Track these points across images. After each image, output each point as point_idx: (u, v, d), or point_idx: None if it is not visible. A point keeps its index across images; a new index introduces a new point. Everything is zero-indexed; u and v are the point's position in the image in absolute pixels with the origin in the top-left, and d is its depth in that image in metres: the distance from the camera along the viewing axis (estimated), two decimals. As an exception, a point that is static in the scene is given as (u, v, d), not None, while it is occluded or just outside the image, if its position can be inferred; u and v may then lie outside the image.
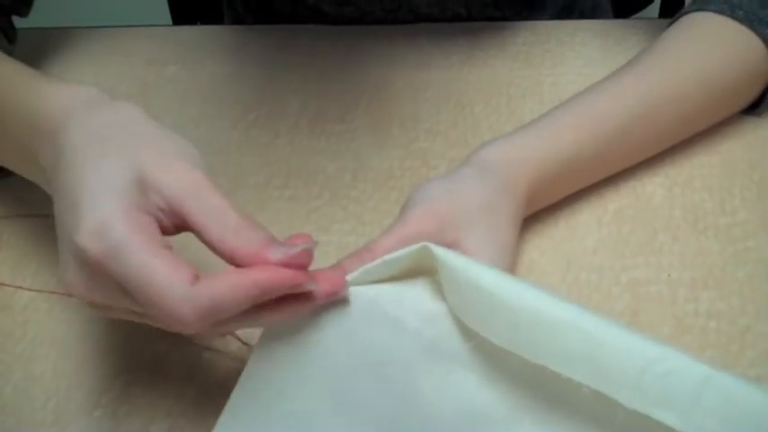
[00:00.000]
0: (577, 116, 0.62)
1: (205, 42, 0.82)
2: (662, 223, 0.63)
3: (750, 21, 0.63)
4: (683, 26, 0.66)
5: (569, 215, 0.64)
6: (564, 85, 0.74)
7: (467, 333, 0.51)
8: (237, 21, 0.98)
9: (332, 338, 0.52)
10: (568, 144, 0.61)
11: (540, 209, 0.63)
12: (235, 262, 0.45)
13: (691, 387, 0.44)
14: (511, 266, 0.57)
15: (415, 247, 0.51)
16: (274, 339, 0.52)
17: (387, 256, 0.52)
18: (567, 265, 0.62)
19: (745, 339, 0.57)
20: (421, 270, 0.52)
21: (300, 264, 0.46)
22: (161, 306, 0.43)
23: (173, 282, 0.43)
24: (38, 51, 0.82)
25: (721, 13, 0.64)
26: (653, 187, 0.66)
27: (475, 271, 0.49)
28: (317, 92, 0.75)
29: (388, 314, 0.52)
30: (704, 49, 0.64)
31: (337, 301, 0.51)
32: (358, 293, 0.52)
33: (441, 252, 0.50)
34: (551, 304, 0.47)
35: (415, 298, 0.52)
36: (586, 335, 0.46)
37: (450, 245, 0.54)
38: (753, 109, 0.68)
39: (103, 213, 0.44)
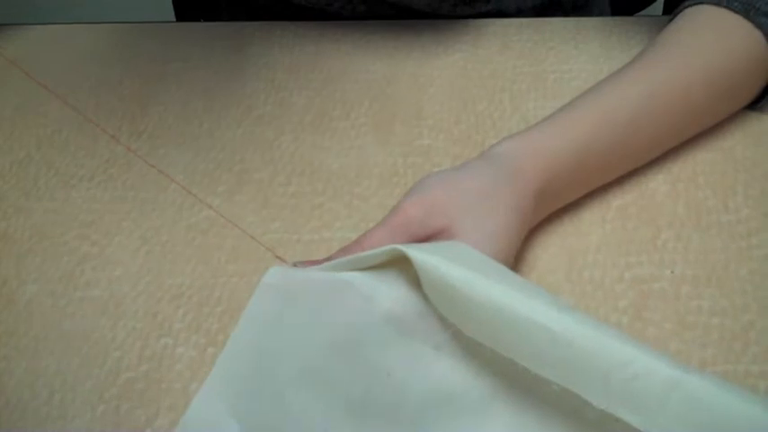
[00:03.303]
0: (587, 111, 0.62)
1: (209, 39, 0.82)
2: (665, 220, 0.63)
3: (746, 11, 0.63)
4: (683, 20, 0.66)
5: (573, 212, 0.64)
6: (567, 81, 0.74)
7: (442, 322, 0.52)
8: (234, 18, 0.98)
9: (305, 317, 0.53)
10: (579, 137, 0.61)
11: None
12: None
13: (657, 391, 0.44)
14: (507, 255, 0.57)
15: (385, 248, 0.52)
16: (254, 318, 0.54)
17: (359, 254, 0.53)
18: (571, 262, 0.62)
19: (749, 336, 0.57)
20: (398, 260, 0.53)
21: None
22: None
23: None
24: (42, 48, 0.83)
25: (717, 4, 0.64)
26: (656, 184, 0.65)
27: (446, 269, 0.49)
28: (321, 89, 0.75)
29: (361, 294, 0.53)
30: (704, 42, 0.64)
31: (313, 282, 0.54)
32: (333, 276, 0.53)
33: (411, 252, 0.51)
34: (523, 303, 0.47)
35: (390, 281, 0.53)
36: (555, 335, 0.46)
37: (439, 231, 0.56)
38: (755, 104, 0.68)
39: None
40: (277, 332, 0.54)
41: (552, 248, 0.62)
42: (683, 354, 0.56)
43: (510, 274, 0.51)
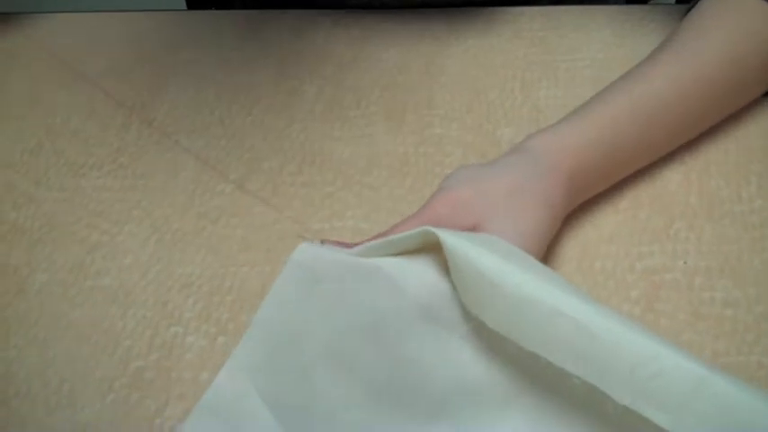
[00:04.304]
0: (613, 105, 0.62)
1: (220, 27, 0.82)
2: (678, 210, 0.63)
3: None
4: (706, 7, 0.65)
5: (584, 201, 0.63)
6: (579, 69, 0.73)
7: (466, 314, 0.51)
8: (245, 6, 0.98)
9: (333, 297, 0.53)
10: (607, 131, 0.60)
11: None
12: None
13: (683, 389, 0.43)
14: (536, 252, 0.56)
15: (417, 230, 0.52)
16: (282, 294, 0.54)
17: (391, 237, 0.53)
18: (583, 252, 0.61)
19: (761, 327, 0.57)
20: (428, 248, 0.53)
21: None
22: None
23: None
24: (54, 36, 0.82)
25: None
26: (669, 173, 0.65)
27: (476, 255, 0.49)
28: (331, 77, 0.75)
29: (390, 278, 0.52)
30: (728, 30, 0.64)
31: (343, 263, 0.53)
32: (362, 260, 0.53)
33: (443, 235, 0.50)
34: (551, 294, 0.47)
35: (420, 268, 0.53)
36: (582, 328, 0.46)
37: (469, 228, 0.55)
38: None
39: None
40: (304, 309, 0.54)
41: (564, 238, 0.62)
42: (696, 345, 0.56)
43: (540, 265, 0.51)
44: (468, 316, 0.52)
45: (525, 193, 0.57)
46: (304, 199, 0.66)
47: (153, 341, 0.59)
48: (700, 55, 0.63)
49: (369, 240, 0.56)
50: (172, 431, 0.56)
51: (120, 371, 0.58)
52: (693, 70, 0.62)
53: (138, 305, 0.61)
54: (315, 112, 0.72)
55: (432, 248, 0.53)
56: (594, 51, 0.75)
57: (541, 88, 0.72)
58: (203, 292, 0.61)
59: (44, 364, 0.59)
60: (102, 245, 0.65)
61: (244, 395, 0.53)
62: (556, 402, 0.50)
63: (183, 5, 1.16)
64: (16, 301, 0.62)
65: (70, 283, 0.63)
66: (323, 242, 0.56)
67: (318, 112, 0.72)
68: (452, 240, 0.50)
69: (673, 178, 0.65)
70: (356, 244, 0.56)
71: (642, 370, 0.44)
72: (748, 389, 0.43)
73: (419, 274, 0.53)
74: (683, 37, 0.64)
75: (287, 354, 0.54)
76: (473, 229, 0.55)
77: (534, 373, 0.50)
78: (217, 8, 1.12)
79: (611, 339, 0.45)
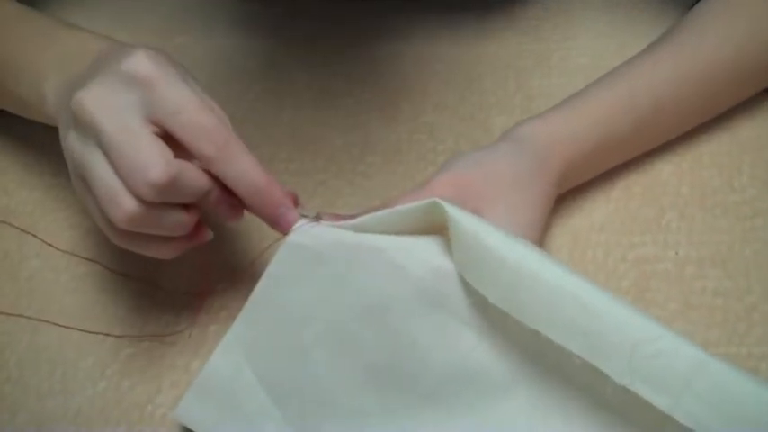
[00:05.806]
0: (612, 94, 0.61)
1: (213, 13, 0.81)
2: (670, 200, 0.63)
3: None
4: (709, 5, 0.65)
5: (576, 191, 0.63)
6: (573, 58, 0.73)
7: (469, 296, 0.51)
8: None
9: (333, 279, 0.53)
10: (603, 121, 0.60)
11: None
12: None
13: (682, 370, 0.44)
14: (536, 241, 0.56)
15: (425, 201, 0.52)
16: (279, 275, 0.53)
17: (398, 207, 0.52)
18: (574, 242, 0.61)
19: (752, 318, 0.57)
20: (432, 229, 0.53)
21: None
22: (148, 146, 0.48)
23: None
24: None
25: None
26: (661, 164, 0.65)
27: (483, 230, 0.50)
28: (324, 65, 0.75)
29: (393, 261, 0.52)
30: (730, 27, 0.63)
31: (344, 245, 0.53)
32: (365, 240, 0.53)
33: (450, 208, 0.50)
34: (554, 272, 0.48)
35: (423, 250, 0.53)
36: (584, 306, 0.46)
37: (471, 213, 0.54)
38: None
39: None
40: (303, 291, 0.53)
41: (555, 227, 0.62)
42: (687, 335, 0.55)
43: (540, 251, 0.51)
44: (470, 297, 0.52)
45: (529, 189, 0.57)
46: (296, 187, 0.66)
47: (144, 328, 0.59)
48: (700, 51, 0.63)
49: (369, 212, 0.55)
50: (165, 418, 0.56)
51: (111, 358, 0.58)
52: (692, 66, 0.62)
53: (130, 292, 0.61)
54: (307, 100, 0.72)
55: (434, 231, 0.53)
56: (588, 40, 0.74)
57: (535, 77, 0.72)
58: (195, 280, 0.61)
59: (35, 351, 0.59)
60: (95, 231, 0.65)
61: (239, 375, 0.53)
62: (554, 387, 0.50)
63: (176, -10, 1.15)
64: (7, 287, 0.62)
65: (62, 270, 0.63)
66: (319, 215, 0.55)
67: (310, 100, 0.72)
68: (460, 215, 0.50)
69: (665, 168, 0.65)
70: (355, 216, 0.55)
71: (643, 349, 0.44)
72: (744, 373, 0.44)
73: (422, 257, 0.52)
74: (683, 32, 0.64)
75: (284, 335, 0.54)
76: (474, 213, 0.55)
77: (533, 358, 0.51)
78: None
79: (615, 319, 0.45)
